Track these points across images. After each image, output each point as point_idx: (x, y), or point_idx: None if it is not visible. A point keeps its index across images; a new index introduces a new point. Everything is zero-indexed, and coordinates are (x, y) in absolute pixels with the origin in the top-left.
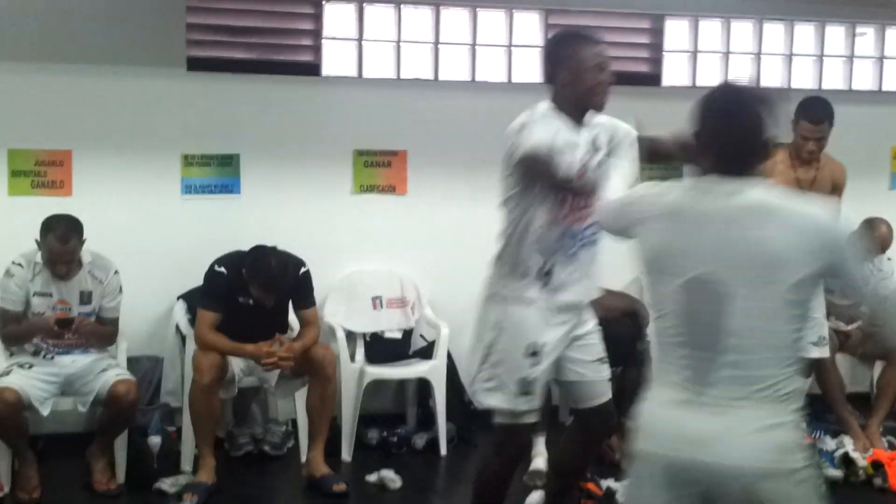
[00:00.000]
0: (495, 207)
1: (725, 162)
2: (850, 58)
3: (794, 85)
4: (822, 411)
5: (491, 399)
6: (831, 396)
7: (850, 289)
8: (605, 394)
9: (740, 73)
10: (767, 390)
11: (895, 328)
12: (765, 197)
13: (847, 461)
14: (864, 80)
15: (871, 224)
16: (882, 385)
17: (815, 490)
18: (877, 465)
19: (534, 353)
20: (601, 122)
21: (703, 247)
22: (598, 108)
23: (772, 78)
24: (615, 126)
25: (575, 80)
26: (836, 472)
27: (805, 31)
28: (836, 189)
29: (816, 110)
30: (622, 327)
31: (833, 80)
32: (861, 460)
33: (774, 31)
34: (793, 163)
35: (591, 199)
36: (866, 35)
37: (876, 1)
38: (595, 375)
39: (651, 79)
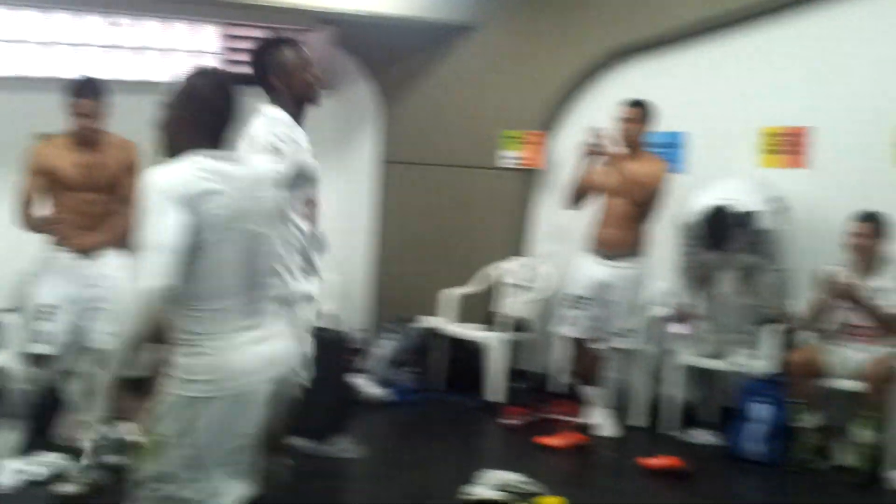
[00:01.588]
0: None
1: (215, 138)
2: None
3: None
4: None
5: None
6: None
7: None
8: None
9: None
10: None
11: None
12: (251, 165)
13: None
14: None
15: None
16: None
17: None
18: None
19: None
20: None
21: (244, 207)
22: (315, 102)
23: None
24: None
25: (287, 82)
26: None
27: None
28: (132, 168)
29: (84, 90)
30: None
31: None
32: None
33: (31, 17)
34: (73, 145)
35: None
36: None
37: None
38: None
39: None
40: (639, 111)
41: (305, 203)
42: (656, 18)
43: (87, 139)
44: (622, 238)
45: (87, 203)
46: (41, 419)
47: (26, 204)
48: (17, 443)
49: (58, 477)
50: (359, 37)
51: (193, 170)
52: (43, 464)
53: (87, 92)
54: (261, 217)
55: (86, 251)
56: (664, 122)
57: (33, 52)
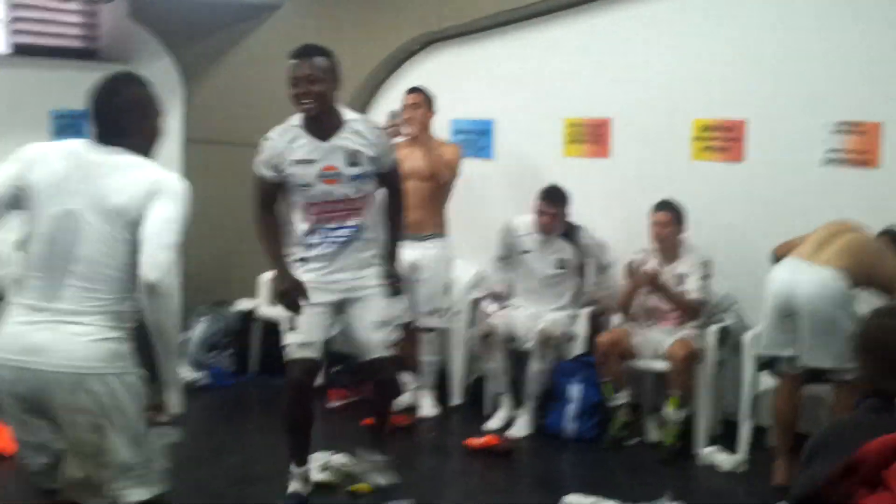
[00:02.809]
0: None
1: (100, 133)
2: None
3: None
4: None
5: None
6: None
7: None
8: (376, 350)
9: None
10: (103, 308)
11: None
12: (121, 158)
13: None
14: None
15: None
16: None
17: (136, 389)
18: None
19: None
20: (357, 134)
21: (73, 186)
22: (304, 114)
23: None
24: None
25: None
26: None
27: None
28: None
29: None
30: None
31: None
32: None
33: None
34: None
35: (343, 205)
36: None
37: None
38: (367, 336)
39: None
40: (418, 96)
41: (302, 206)
42: (465, 8)
43: None
44: (423, 219)
45: None
46: None
47: None
48: None
49: None
50: (156, 10)
51: (54, 146)
52: None
53: None
54: (94, 204)
55: None
56: (474, 110)
57: None
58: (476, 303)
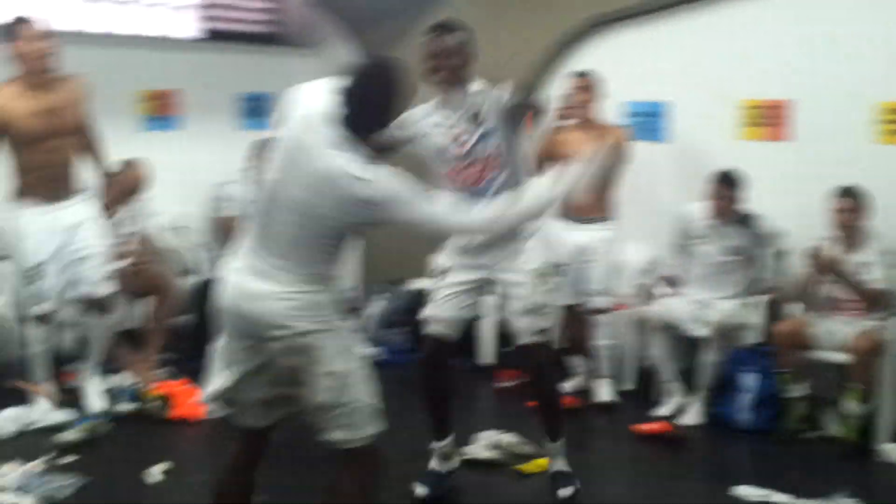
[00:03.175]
0: None
1: (342, 113)
2: None
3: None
4: None
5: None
6: None
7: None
8: (523, 336)
9: None
10: (296, 268)
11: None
12: (336, 158)
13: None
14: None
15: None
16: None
17: (333, 338)
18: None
19: (441, 273)
20: (479, 95)
21: (294, 168)
22: (437, 89)
23: None
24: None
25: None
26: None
27: None
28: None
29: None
30: None
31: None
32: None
33: None
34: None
35: (478, 165)
36: None
37: None
38: (516, 321)
39: None
40: (585, 80)
41: (441, 175)
42: None
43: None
44: (591, 203)
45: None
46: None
47: None
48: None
49: (58, 425)
50: None
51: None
52: (41, 412)
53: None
54: (300, 181)
55: (58, 200)
56: (646, 92)
57: None
58: (647, 287)
